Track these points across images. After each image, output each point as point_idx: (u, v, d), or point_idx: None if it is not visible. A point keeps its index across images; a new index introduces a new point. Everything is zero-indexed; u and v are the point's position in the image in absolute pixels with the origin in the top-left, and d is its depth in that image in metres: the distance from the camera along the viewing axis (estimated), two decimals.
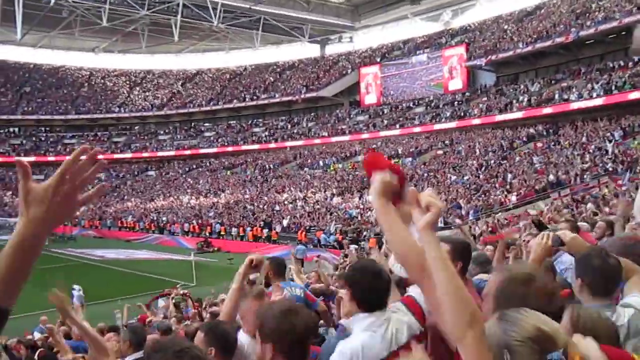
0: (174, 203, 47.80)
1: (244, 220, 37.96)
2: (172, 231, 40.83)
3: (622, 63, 36.08)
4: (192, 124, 65.21)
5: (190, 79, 70.79)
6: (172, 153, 61.79)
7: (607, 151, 28.73)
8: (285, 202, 39.71)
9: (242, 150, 57.36)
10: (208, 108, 63.52)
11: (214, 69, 71.08)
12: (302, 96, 57.55)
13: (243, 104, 61.68)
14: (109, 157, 61.19)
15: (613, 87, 33.91)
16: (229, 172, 53.89)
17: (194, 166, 59.28)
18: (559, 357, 1.45)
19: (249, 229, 35.90)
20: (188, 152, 61.12)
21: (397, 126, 48.09)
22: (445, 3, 56.69)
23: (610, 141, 29.83)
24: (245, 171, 52.78)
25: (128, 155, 62.22)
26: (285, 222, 35.27)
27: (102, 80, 71.00)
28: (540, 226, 5.50)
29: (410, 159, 41.11)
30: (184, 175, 57.46)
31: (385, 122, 49.73)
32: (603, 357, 1.74)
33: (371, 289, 2.55)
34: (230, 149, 58.49)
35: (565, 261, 4.02)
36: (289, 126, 58.37)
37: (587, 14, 39.41)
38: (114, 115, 65.37)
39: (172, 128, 65.42)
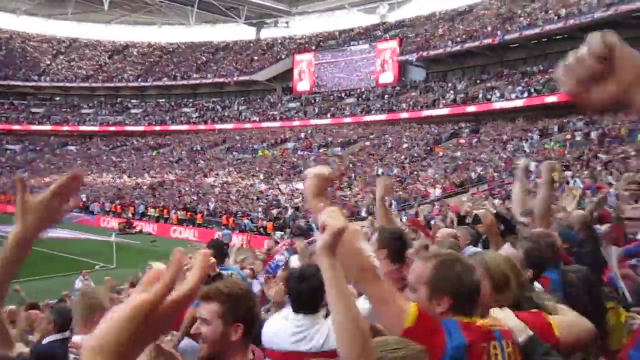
0: (96, 181, 45.91)
1: (168, 202, 37.10)
2: (93, 210, 39.25)
3: (541, 67, 38.16)
4: (118, 99, 62.65)
5: (119, 51, 67.81)
6: (95, 128, 59.15)
7: (525, 150, 30.40)
8: (213, 186, 39.18)
9: (170, 131, 55.84)
10: (136, 84, 61.23)
11: (144, 43, 68.44)
12: (235, 79, 56.75)
13: (173, 83, 59.98)
14: (25, 129, 57.78)
15: (532, 90, 35.86)
16: (155, 152, 52.35)
17: (119, 144, 57.08)
18: None
19: (173, 211, 35.14)
20: (113, 128, 58.70)
21: (328, 115, 48.51)
22: None
23: (527, 140, 31.59)
24: (172, 152, 51.48)
25: (47, 127, 58.85)
26: (211, 206, 34.81)
27: (22, 45, 66.38)
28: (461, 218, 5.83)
29: (339, 148, 41.63)
30: (107, 153, 55.21)
31: (317, 110, 50.01)
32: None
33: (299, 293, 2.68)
34: (157, 128, 56.78)
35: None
36: (220, 108, 57.43)
37: (513, 19, 41.33)
38: (33, 83, 61.47)
39: (97, 102, 62.53)
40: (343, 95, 50.99)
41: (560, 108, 33.66)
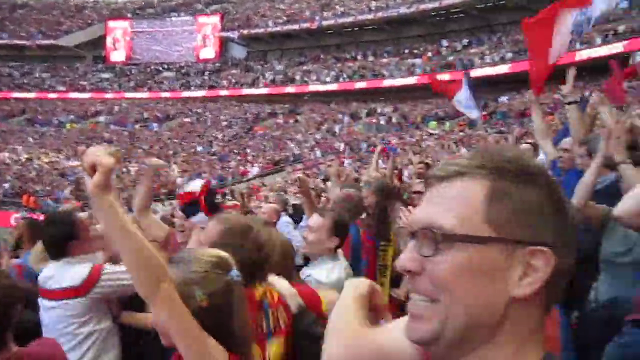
0: None
1: None
2: None
3: (353, 54, 40.84)
4: None
5: None
6: None
7: (335, 132, 32.41)
8: (8, 162, 34.92)
9: None
10: None
11: None
12: (37, 42, 50.80)
13: None
14: None
15: (345, 76, 38.24)
16: None
17: None
18: (236, 273, 1.59)
19: None
20: None
21: (145, 89, 46.18)
22: None
23: (339, 123, 33.70)
24: None
25: None
26: (7, 185, 31.06)
27: None
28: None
29: (156, 124, 40.03)
30: None
31: (133, 83, 47.27)
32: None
33: None
34: None
35: None
36: (18, 75, 51.03)
37: (330, 6, 43.39)
38: None
39: None
40: (161, 68, 48.87)
41: (369, 93, 36.55)
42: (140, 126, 40.57)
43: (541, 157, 4.55)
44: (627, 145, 3.99)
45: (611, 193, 2.80)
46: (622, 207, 2.31)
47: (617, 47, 25.72)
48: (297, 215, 5.97)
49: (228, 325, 1.53)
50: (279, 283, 2.08)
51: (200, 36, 48.48)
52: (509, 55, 30.97)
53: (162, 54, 49.70)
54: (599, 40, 27.00)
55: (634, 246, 2.63)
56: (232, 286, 1.55)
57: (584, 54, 26.91)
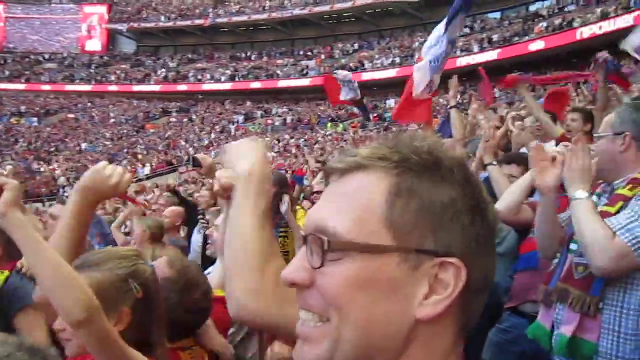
0: None
1: None
2: None
3: (248, 54, 40.76)
4: None
5: None
6: None
7: (230, 132, 32.23)
8: None
9: None
10: None
11: None
12: None
13: None
14: None
15: (240, 75, 38.08)
16: None
17: None
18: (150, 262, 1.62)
19: None
20: None
21: (23, 80, 42.82)
22: None
23: (233, 123, 33.55)
24: None
25: None
26: None
27: None
28: (176, 193, 6.13)
29: (35, 119, 37.35)
30: None
31: (7, 73, 43.60)
32: None
33: None
34: None
35: None
36: None
37: (224, 3, 42.89)
38: None
39: None
40: (42, 58, 45.54)
41: (264, 93, 36.73)
42: (16, 120, 37.64)
43: None
44: (502, 147, 4.58)
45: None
46: (501, 203, 2.50)
47: (491, 55, 28.10)
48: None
49: (159, 315, 1.52)
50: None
51: (86, 26, 45.82)
52: (397, 60, 32.63)
53: (41, 43, 46.34)
54: (476, 48, 29.30)
55: (504, 239, 3.00)
56: (155, 274, 1.57)
57: (463, 61, 29.16)
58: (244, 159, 1.17)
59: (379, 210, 0.61)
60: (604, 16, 24.07)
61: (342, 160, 0.66)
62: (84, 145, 32.57)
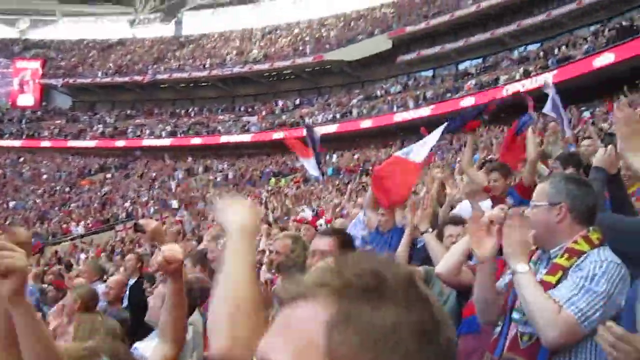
0: None
1: None
2: None
3: (189, 110, 40.78)
4: None
5: None
6: None
7: (170, 188, 31.68)
8: None
9: None
10: None
11: None
12: None
13: None
14: None
15: (180, 131, 37.86)
16: None
17: None
18: None
19: None
20: None
21: None
22: (23, 10, 51.81)
23: (174, 179, 33.04)
24: None
25: None
26: None
27: None
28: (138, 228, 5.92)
29: None
30: None
31: None
32: None
33: None
34: None
35: None
36: None
37: (164, 60, 43.04)
38: None
39: None
40: None
41: (204, 149, 36.59)
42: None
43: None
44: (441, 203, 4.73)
45: (425, 256, 3.32)
46: (442, 265, 2.58)
47: (425, 111, 29.40)
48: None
49: None
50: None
51: (18, 80, 44.57)
52: (337, 116, 33.53)
53: None
54: (411, 105, 30.60)
55: (445, 301, 3.06)
56: None
57: (399, 117, 30.45)
58: (235, 215, 1.22)
59: (320, 342, 0.57)
60: (526, 74, 25.90)
61: (287, 290, 0.63)
62: (11, 203, 31.06)
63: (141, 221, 4.66)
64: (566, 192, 1.96)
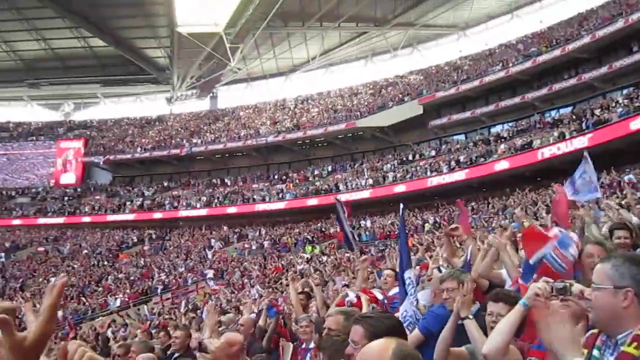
0: None
1: None
2: None
3: (225, 180, 41.41)
4: None
5: None
6: None
7: (208, 258, 31.53)
8: None
9: None
10: None
11: None
12: None
13: None
14: None
15: (216, 201, 38.24)
16: None
17: None
18: None
19: None
20: None
21: None
22: (67, 95, 54.71)
23: (210, 248, 32.96)
24: None
25: None
26: None
27: None
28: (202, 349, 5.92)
29: (2, 254, 36.21)
30: None
31: None
32: None
33: None
34: None
35: None
36: None
37: (200, 133, 44.31)
38: None
39: None
40: (14, 193, 45.32)
41: (239, 217, 36.69)
42: None
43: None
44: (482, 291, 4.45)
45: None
46: (488, 345, 2.49)
47: (460, 175, 28.98)
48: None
49: None
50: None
51: (61, 160, 46.40)
52: (370, 181, 33.33)
53: (15, 178, 46.51)
54: (445, 169, 30.20)
55: None
56: None
57: (434, 181, 29.99)
58: None
59: None
60: (561, 137, 25.44)
61: None
62: (53, 279, 31.30)
63: (206, 341, 4.43)
64: (630, 276, 1.83)
